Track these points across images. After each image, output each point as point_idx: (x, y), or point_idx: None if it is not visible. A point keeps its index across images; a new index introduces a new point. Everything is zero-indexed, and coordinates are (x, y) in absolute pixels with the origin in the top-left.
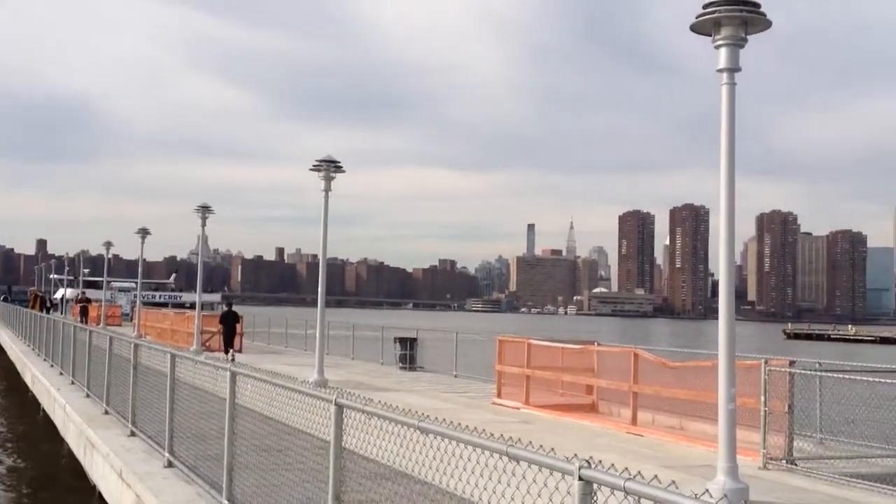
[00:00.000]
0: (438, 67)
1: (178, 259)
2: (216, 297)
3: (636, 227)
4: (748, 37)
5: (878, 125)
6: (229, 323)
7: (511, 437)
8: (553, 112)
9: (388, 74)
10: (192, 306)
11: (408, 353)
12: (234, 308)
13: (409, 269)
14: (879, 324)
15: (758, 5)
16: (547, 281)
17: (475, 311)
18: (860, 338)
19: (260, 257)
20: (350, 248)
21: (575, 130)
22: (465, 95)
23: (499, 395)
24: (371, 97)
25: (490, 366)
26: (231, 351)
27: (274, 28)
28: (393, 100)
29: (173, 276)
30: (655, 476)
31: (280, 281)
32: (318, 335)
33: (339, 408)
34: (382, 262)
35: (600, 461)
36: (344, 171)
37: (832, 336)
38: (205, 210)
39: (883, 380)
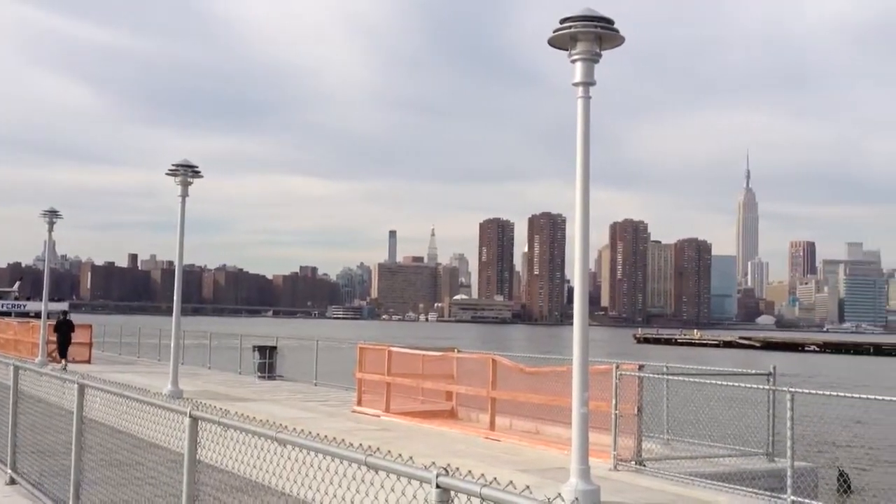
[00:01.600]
0: (302, 71)
1: (24, 266)
2: (64, 305)
3: (496, 234)
4: (602, 52)
5: (723, 138)
6: (63, 332)
7: (370, 446)
8: (416, 119)
9: (250, 77)
10: (38, 315)
11: (267, 361)
12: (81, 317)
13: (269, 276)
14: (722, 328)
15: (611, 22)
16: (408, 288)
17: (336, 318)
18: (704, 342)
19: (112, 264)
20: (208, 254)
21: (437, 138)
22: (328, 101)
23: (359, 403)
24: (233, 100)
25: (351, 374)
26: (64, 360)
27: (131, 27)
28: (255, 104)
29: (17, 283)
30: (511, 481)
31: (133, 288)
32: (172, 344)
33: (194, 420)
34: (241, 269)
35: (458, 468)
36: (202, 176)
37: (679, 340)
38: (52, 214)
39: (724, 382)
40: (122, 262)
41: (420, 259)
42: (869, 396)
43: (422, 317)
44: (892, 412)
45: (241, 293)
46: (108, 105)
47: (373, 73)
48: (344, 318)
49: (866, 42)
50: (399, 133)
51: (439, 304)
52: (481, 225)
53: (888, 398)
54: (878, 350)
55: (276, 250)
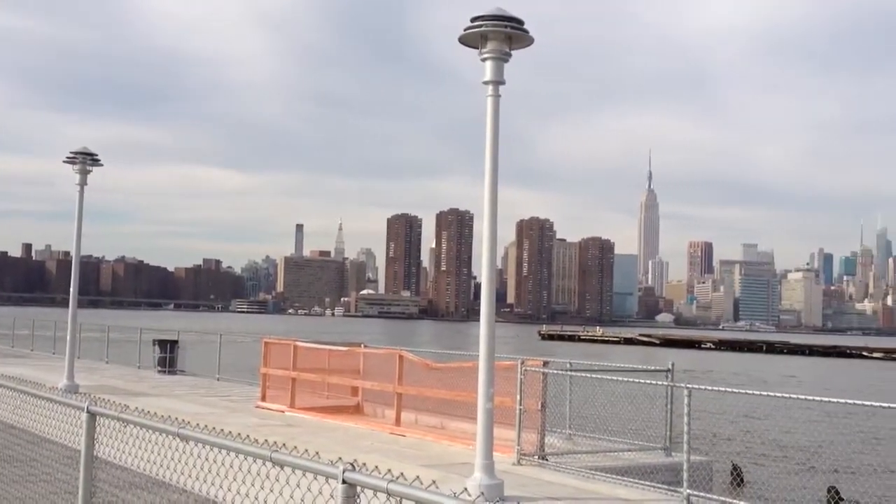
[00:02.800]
0: (209, 60)
1: None
2: None
3: (404, 230)
4: (512, 52)
5: (627, 139)
6: None
7: (276, 442)
8: (325, 113)
9: (156, 64)
10: None
11: (167, 356)
12: None
13: (171, 269)
14: (624, 325)
15: (521, 22)
16: (315, 282)
17: (241, 312)
18: (606, 339)
19: (4, 254)
20: (107, 245)
21: (347, 132)
22: (236, 91)
23: (263, 399)
24: (138, 88)
25: (255, 368)
26: None
27: (27, 8)
28: (160, 91)
29: None
30: (418, 476)
31: (27, 279)
32: (68, 337)
33: (92, 415)
34: (142, 261)
35: (364, 463)
36: (102, 165)
37: (582, 337)
38: None
39: (625, 378)
40: (16, 252)
41: (327, 253)
42: (762, 393)
43: (328, 312)
44: (782, 407)
45: (142, 285)
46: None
47: (282, 65)
48: (248, 312)
49: (761, 50)
50: (308, 126)
51: (346, 299)
52: (389, 220)
53: (779, 394)
54: (770, 348)
55: (179, 242)
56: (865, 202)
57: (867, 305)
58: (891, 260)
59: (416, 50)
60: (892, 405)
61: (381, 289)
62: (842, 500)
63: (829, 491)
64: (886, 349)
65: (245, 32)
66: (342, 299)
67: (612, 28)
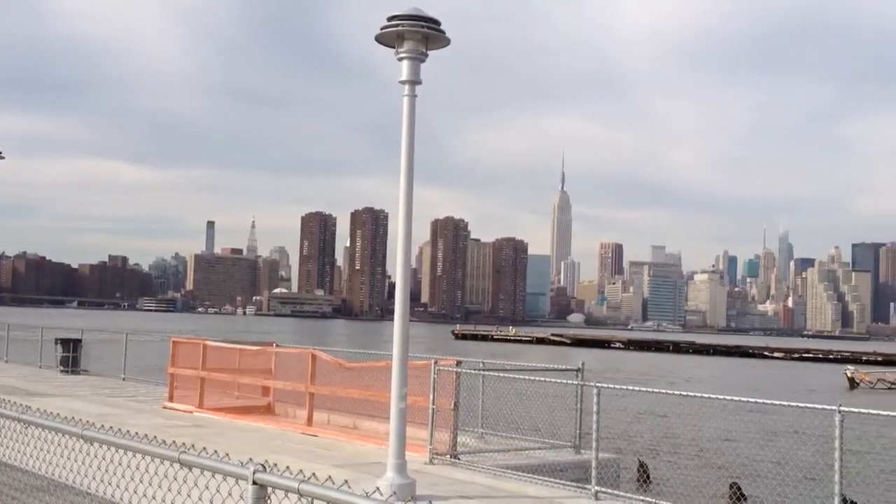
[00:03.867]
0: (120, 52)
1: None
2: None
3: (318, 228)
4: (429, 52)
5: (541, 141)
6: None
7: (184, 443)
8: (239, 107)
9: (64, 55)
10: None
11: (71, 355)
12: None
13: (75, 265)
14: (536, 325)
15: (438, 23)
16: (226, 280)
17: (148, 310)
18: (519, 338)
19: None
20: (7, 240)
21: (260, 128)
22: (145, 83)
23: (171, 399)
24: (44, 79)
25: (162, 368)
26: None
27: None
28: (69, 83)
29: None
30: (330, 477)
31: None
32: None
33: None
34: (44, 257)
35: (276, 464)
36: (3, 157)
37: (495, 337)
38: None
39: (537, 377)
40: None
41: (239, 251)
42: (668, 391)
43: (239, 310)
44: (687, 405)
45: (44, 282)
46: None
47: (197, 59)
48: (156, 311)
49: (673, 55)
50: (222, 121)
51: (258, 298)
52: (303, 218)
53: (684, 393)
54: (677, 348)
55: (85, 238)
56: (769, 206)
57: (769, 307)
58: (792, 263)
59: (332, 47)
60: (787, 403)
61: (295, 287)
62: (743, 496)
63: (731, 487)
64: (786, 349)
65: (158, 25)
66: (254, 298)
67: (527, 28)
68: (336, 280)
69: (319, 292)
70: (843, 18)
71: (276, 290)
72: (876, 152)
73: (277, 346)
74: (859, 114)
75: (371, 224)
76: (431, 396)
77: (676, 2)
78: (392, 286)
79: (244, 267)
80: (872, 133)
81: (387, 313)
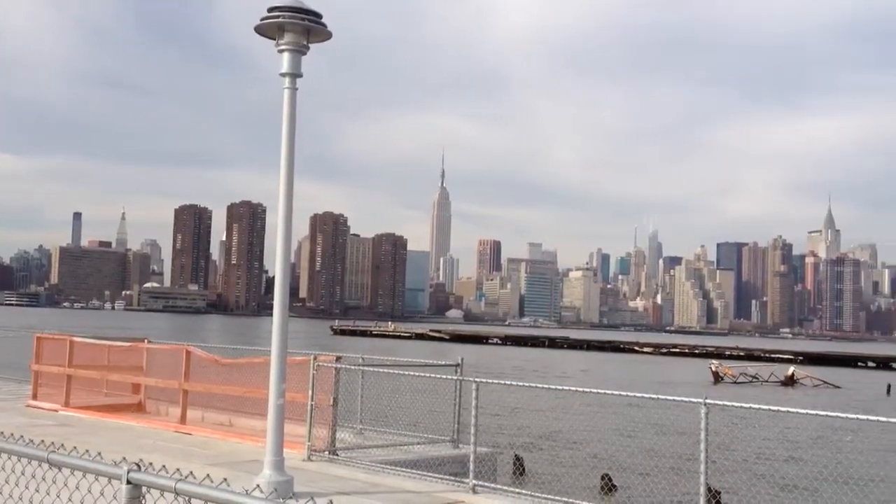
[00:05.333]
0: None
1: None
2: None
3: (193, 221)
4: (311, 45)
5: (422, 138)
6: None
7: (52, 443)
8: (109, 95)
9: None
10: None
11: None
12: None
13: None
14: (415, 321)
15: (319, 16)
16: (94, 274)
17: (9, 304)
18: (398, 334)
19: None
20: None
21: (133, 117)
22: (10, 67)
23: (35, 397)
24: None
25: (26, 365)
26: None
27: None
28: None
29: None
30: (208, 475)
31: None
32: None
33: None
34: None
35: (151, 463)
36: None
37: (374, 332)
38: None
39: (416, 373)
40: None
41: (108, 244)
42: (543, 386)
43: (108, 305)
44: (562, 399)
45: None
46: None
47: (65, 42)
48: (18, 305)
49: (554, 57)
50: (91, 109)
51: (128, 293)
52: (177, 211)
53: (560, 387)
54: (552, 343)
55: None
56: (640, 206)
57: (639, 303)
58: (661, 261)
59: (210, 36)
60: (656, 396)
61: (167, 282)
62: (614, 486)
63: (602, 478)
64: (655, 344)
65: (23, 4)
66: (124, 292)
67: (412, 27)
68: (211, 275)
69: (193, 287)
70: (713, 27)
71: (148, 285)
72: (740, 155)
73: (149, 342)
74: (725, 118)
75: (248, 218)
76: (310, 393)
77: (556, 4)
78: (269, 281)
79: (113, 260)
80: (737, 137)
81: (264, 309)
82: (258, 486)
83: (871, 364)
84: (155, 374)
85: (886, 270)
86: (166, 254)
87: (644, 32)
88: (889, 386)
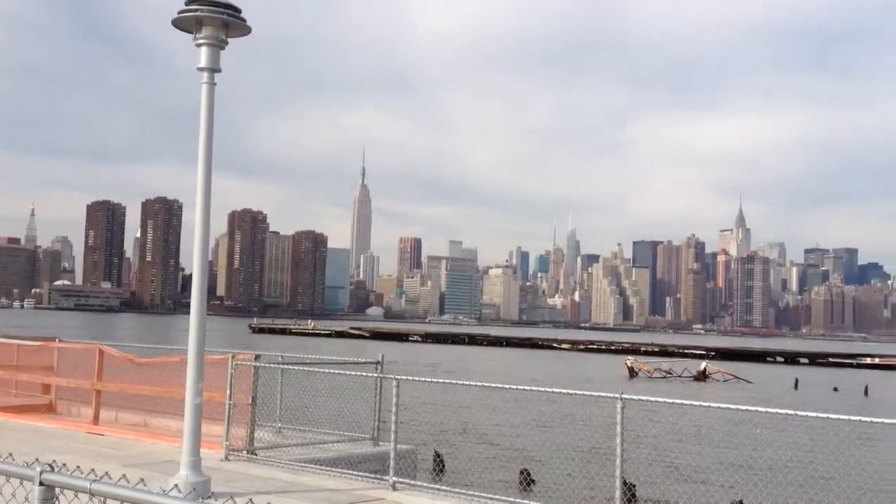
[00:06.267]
0: None
1: None
2: None
3: (106, 217)
4: (230, 40)
5: (344, 135)
6: None
7: None
8: (18, 86)
9: None
10: None
11: None
12: None
13: None
14: (335, 319)
15: (238, 10)
16: (1, 272)
17: None
18: (318, 332)
19: None
20: None
21: (41, 108)
22: None
23: None
24: None
25: None
26: None
27: None
28: None
29: None
30: (124, 475)
31: None
32: None
33: None
34: None
35: (65, 464)
36: None
37: (293, 330)
38: None
39: (337, 371)
40: None
41: (17, 240)
42: (463, 382)
43: (16, 303)
44: (482, 395)
45: None
46: None
47: None
48: None
49: (476, 57)
50: None
51: (38, 290)
52: (89, 207)
53: (480, 383)
54: (472, 340)
55: None
56: (559, 204)
57: (557, 300)
58: (579, 259)
59: (124, 28)
60: (574, 392)
61: (79, 280)
62: (532, 481)
63: (521, 473)
64: (573, 341)
65: None
66: (33, 290)
67: (334, 25)
68: (125, 272)
69: (106, 285)
70: (630, 28)
71: (58, 283)
72: (655, 155)
73: (60, 341)
74: (642, 118)
75: (164, 214)
76: (228, 392)
77: (479, 4)
78: (186, 279)
79: (22, 257)
80: (654, 137)
81: (180, 307)
82: (176, 486)
83: (779, 359)
84: (66, 374)
85: (794, 268)
86: (78, 251)
87: (563, 33)
88: (797, 380)
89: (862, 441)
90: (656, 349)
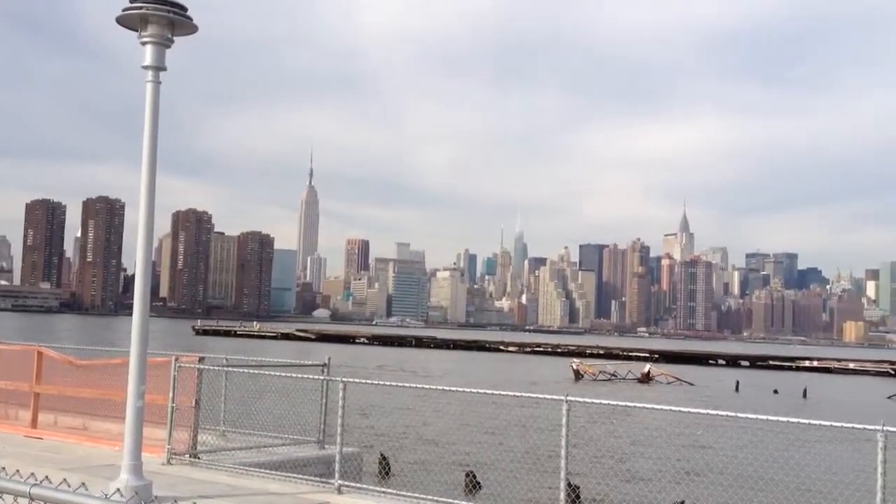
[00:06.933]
0: None
1: None
2: None
3: (45, 216)
4: (176, 38)
5: (290, 135)
6: None
7: None
8: None
9: None
10: None
11: None
12: None
13: None
14: (281, 321)
15: (185, 9)
16: None
17: None
18: (263, 334)
19: None
20: None
21: None
22: None
23: None
24: None
25: None
26: None
27: None
28: None
29: None
30: (64, 479)
31: None
32: None
33: None
34: None
35: (3, 468)
36: None
37: (239, 332)
38: None
39: (282, 373)
40: None
41: None
42: (411, 385)
43: None
44: (429, 398)
45: None
46: None
47: None
48: None
49: (427, 59)
50: None
51: None
52: (28, 205)
53: (427, 386)
54: (419, 342)
55: None
56: (507, 207)
57: (505, 303)
58: (526, 262)
59: (68, 24)
60: (520, 394)
61: (17, 280)
62: (478, 483)
63: (467, 475)
64: (519, 343)
65: None
66: None
67: (285, 23)
68: (65, 272)
69: (45, 285)
70: (579, 34)
71: None
72: (602, 159)
73: None
74: (590, 122)
75: (106, 214)
76: (171, 394)
77: (428, 7)
78: (128, 279)
79: None
80: (601, 141)
81: (121, 308)
82: (118, 490)
83: (721, 362)
84: (3, 377)
85: (736, 272)
86: (16, 251)
87: (513, 38)
88: (738, 383)
89: (800, 442)
90: (601, 352)
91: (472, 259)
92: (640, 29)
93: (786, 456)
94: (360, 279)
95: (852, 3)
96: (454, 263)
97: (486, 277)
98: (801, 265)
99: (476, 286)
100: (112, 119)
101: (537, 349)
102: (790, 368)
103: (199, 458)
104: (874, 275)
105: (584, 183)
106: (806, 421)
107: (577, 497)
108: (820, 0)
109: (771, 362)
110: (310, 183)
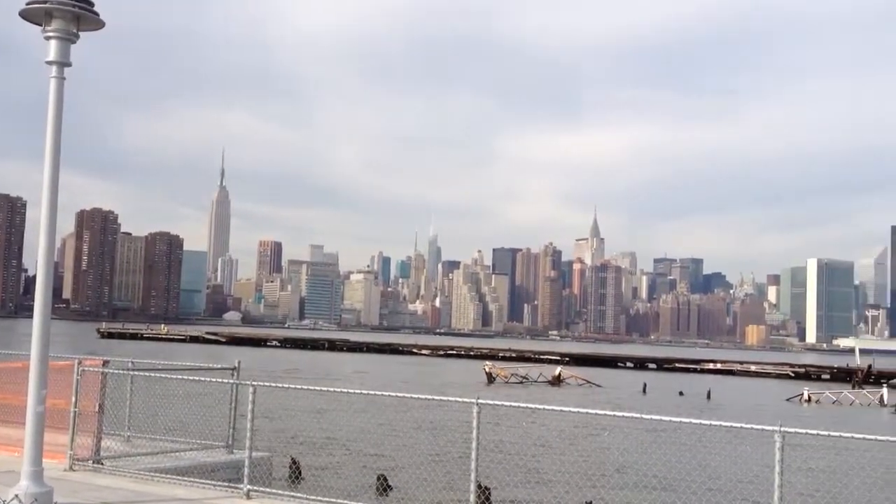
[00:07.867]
0: None
1: None
2: None
3: None
4: (81, 33)
5: (201, 134)
6: None
7: None
8: None
9: None
10: None
11: None
12: None
13: None
14: (190, 323)
15: (91, 3)
16: None
17: None
18: (172, 337)
19: None
20: None
21: None
22: None
23: None
24: None
25: None
26: None
27: None
28: None
29: None
30: None
31: None
32: None
33: None
34: None
35: None
36: None
37: (145, 335)
38: None
39: (191, 377)
40: None
41: None
42: (322, 388)
43: None
44: (340, 400)
45: None
46: None
47: None
48: None
49: (346, 59)
50: None
51: None
52: None
53: (338, 389)
54: (332, 345)
55: None
56: (421, 210)
57: (419, 306)
58: (440, 265)
59: None
60: (431, 397)
61: None
62: (389, 486)
63: (378, 479)
64: (433, 346)
65: None
66: None
67: (196, 20)
68: None
69: None
70: (500, 40)
71: None
72: (517, 164)
73: None
74: (505, 128)
75: (6, 212)
76: (74, 399)
77: (349, 6)
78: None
79: None
80: (515, 147)
81: (22, 310)
82: (16, 496)
83: (629, 364)
84: None
85: (644, 277)
86: None
87: (434, 40)
88: (645, 385)
89: (702, 443)
90: (514, 355)
91: (385, 262)
92: (561, 36)
93: (689, 456)
94: (272, 281)
95: (758, 14)
96: (368, 266)
97: (400, 280)
98: (707, 270)
99: (390, 289)
100: (14, 115)
101: (450, 352)
102: (695, 371)
103: (102, 463)
104: (776, 280)
105: (499, 187)
106: (708, 422)
107: (488, 499)
108: (728, 10)
109: (677, 365)
110: (221, 183)
